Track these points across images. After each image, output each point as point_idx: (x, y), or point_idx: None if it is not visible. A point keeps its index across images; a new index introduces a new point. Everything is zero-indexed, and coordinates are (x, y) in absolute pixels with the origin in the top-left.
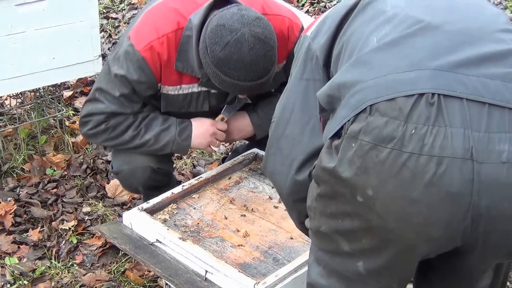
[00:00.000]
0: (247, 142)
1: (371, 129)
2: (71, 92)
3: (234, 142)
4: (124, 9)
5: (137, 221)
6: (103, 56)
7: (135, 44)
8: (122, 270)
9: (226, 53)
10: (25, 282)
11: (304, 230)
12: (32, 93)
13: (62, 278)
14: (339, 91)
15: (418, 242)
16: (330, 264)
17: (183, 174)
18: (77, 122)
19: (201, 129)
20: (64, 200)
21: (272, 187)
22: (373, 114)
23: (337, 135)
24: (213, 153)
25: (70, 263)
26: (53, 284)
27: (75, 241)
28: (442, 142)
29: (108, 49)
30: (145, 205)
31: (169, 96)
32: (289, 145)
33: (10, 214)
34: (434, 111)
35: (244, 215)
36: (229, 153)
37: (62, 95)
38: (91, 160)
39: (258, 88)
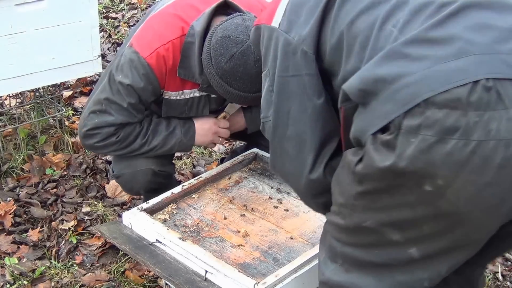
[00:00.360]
0: (244, 143)
1: (432, 122)
2: (71, 92)
3: (233, 143)
4: (124, 9)
5: (137, 221)
6: (103, 56)
7: (140, 51)
8: (122, 270)
9: (232, 65)
10: (25, 282)
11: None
12: (32, 93)
13: (62, 278)
14: (375, 85)
15: (489, 220)
16: (359, 258)
17: (182, 174)
18: (77, 122)
19: (204, 128)
20: (63, 200)
21: (272, 187)
22: (430, 107)
23: (382, 130)
24: (213, 152)
25: (69, 263)
26: (52, 284)
27: (74, 241)
28: (507, 125)
29: (108, 49)
30: (145, 205)
31: (171, 101)
32: (294, 146)
33: (10, 214)
34: (494, 96)
35: (244, 215)
36: (228, 153)
37: (62, 95)
38: (91, 160)
39: None
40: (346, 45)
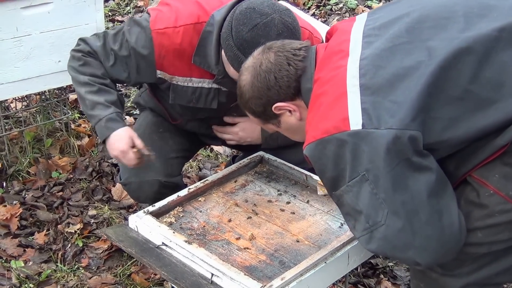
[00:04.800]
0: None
1: None
2: (77, 95)
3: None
4: (130, 12)
5: (143, 224)
6: None
7: (151, 23)
8: (128, 273)
9: (253, 35)
10: (31, 285)
11: None
12: (38, 96)
13: (68, 281)
14: None
15: None
16: None
17: (188, 177)
18: (83, 125)
19: (121, 134)
20: (69, 203)
21: (278, 190)
22: None
23: None
24: (219, 155)
25: (76, 266)
26: (59, 287)
27: (81, 244)
28: None
29: None
30: (151, 208)
31: (178, 87)
32: (436, 221)
33: (16, 217)
34: None
35: (250, 218)
36: (239, 153)
37: (68, 98)
38: (97, 163)
39: None
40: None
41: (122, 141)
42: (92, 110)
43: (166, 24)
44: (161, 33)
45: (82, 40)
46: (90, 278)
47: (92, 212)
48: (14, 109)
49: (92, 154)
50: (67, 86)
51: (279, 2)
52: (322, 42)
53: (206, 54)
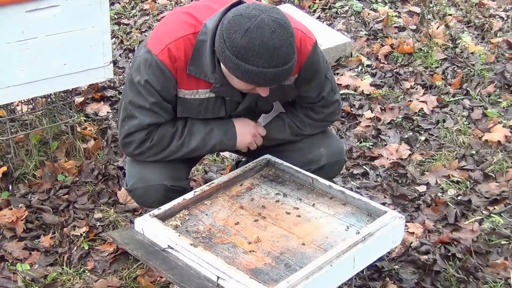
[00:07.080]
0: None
1: None
2: (83, 98)
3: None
4: (136, 15)
5: (149, 227)
6: (114, 62)
7: (152, 50)
8: (133, 276)
9: (248, 39)
10: None
11: None
12: (44, 99)
13: (73, 284)
14: None
15: None
16: None
17: (194, 180)
18: (89, 128)
19: (245, 129)
20: (75, 206)
21: (284, 194)
22: None
23: None
24: (225, 159)
25: (81, 269)
26: None
27: (86, 247)
28: None
29: (120, 55)
30: (157, 211)
31: (186, 101)
32: None
33: (22, 220)
34: None
35: (256, 221)
36: (243, 158)
37: (74, 101)
38: (103, 166)
39: (282, 77)
40: None
41: (248, 132)
42: (209, 145)
43: (166, 42)
44: (166, 52)
45: (127, 136)
46: (96, 281)
47: (98, 215)
48: (20, 112)
49: (98, 157)
50: (73, 89)
51: (284, 5)
52: (315, 42)
53: (201, 63)
